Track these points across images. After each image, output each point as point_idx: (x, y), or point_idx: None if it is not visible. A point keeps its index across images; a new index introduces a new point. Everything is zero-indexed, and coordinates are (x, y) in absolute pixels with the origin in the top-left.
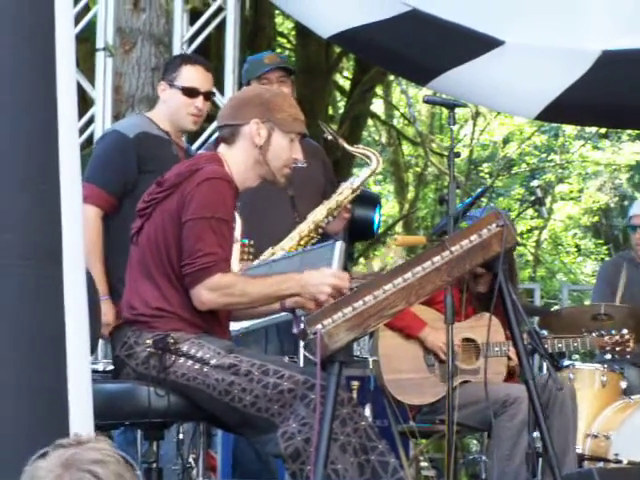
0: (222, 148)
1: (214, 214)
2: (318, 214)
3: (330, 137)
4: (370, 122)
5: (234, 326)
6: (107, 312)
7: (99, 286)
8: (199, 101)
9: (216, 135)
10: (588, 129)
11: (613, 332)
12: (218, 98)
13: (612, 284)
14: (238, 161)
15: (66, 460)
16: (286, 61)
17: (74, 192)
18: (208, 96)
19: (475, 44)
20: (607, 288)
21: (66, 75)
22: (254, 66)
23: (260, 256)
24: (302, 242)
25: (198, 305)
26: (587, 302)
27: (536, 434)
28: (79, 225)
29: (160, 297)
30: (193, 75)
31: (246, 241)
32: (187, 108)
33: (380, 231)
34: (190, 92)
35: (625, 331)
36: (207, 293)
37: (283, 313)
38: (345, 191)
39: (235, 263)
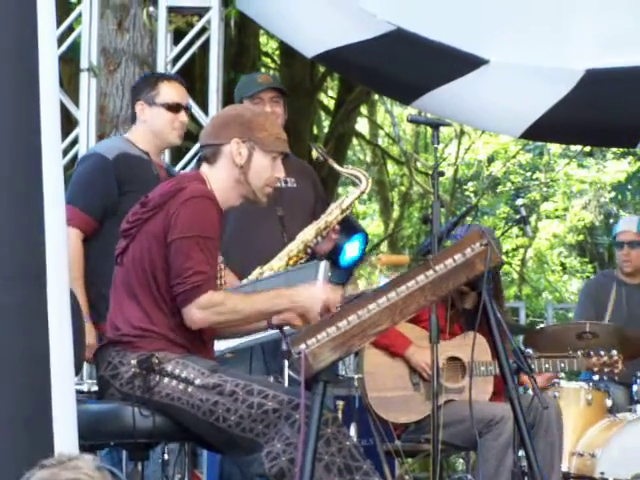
0: (204, 167)
1: (200, 232)
2: (307, 234)
3: (321, 157)
4: (355, 141)
5: (220, 345)
6: (88, 334)
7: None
8: (182, 115)
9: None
10: (573, 147)
11: (602, 352)
12: (202, 118)
13: (597, 303)
14: (220, 180)
15: None
16: (278, 81)
17: (58, 213)
18: (187, 109)
19: (460, 63)
20: (591, 307)
21: (50, 96)
22: (247, 84)
23: (248, 276)
24: (291, 262)
25: (190, 324)
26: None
27: (521, 452)
28: (63, 246)
29: (144, 317)
30: (173, 91)
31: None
32: (172, 124)
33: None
34: (173, 108)
35: (614, 352)
36: (199, 312)
37: (270, 331)
38: (334, 211)
39: None
